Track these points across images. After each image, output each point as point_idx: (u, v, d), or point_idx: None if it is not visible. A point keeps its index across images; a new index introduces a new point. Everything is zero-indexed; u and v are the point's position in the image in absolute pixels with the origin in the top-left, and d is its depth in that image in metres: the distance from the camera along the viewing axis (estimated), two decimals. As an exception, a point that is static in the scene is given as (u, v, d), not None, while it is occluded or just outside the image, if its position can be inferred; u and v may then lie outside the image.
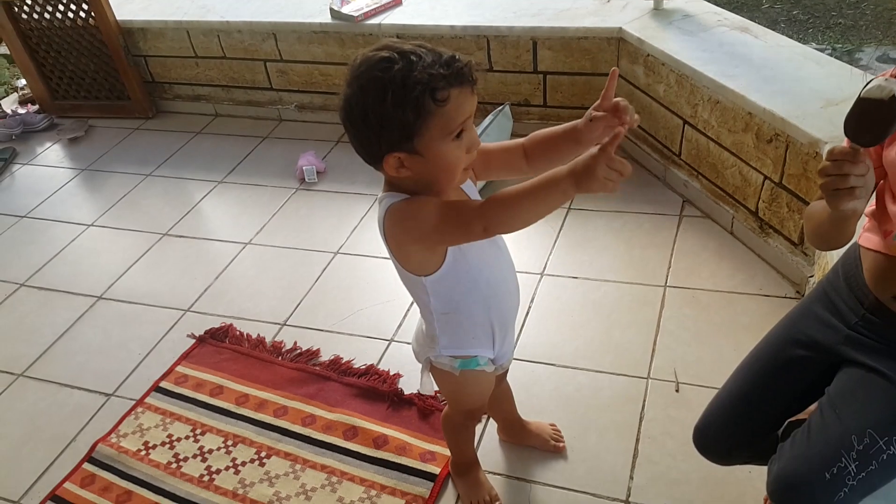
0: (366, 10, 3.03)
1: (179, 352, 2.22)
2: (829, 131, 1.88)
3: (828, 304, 1.25)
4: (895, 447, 1.07)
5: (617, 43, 2.64)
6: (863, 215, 1.10)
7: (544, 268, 2.34)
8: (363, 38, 3.04)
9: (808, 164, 1.95)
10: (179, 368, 2.15)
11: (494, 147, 1.28)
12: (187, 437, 1.93)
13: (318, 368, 2.08)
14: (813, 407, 1.23)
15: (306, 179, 2.95)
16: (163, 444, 1.91)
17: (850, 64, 3.81)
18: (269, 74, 3.37)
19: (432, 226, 1.11)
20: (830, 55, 3.81)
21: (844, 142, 0.95)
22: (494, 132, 2.72)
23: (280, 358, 2.13)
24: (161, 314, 2.39)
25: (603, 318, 2.13)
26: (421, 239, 1.15)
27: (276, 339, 2.22)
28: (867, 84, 0.90)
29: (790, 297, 2.08)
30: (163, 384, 2.10)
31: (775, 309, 2.02)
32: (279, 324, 2.29)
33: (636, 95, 2.65)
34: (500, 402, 1.73)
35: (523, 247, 2.40)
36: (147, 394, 2.08)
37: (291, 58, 3.26)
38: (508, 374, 1.65)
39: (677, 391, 1.87)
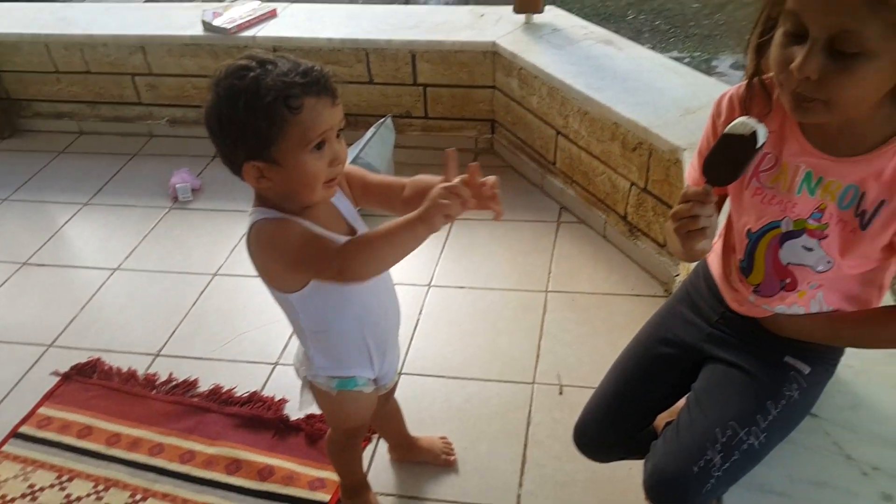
0: (239, 21, 2.95)
1: (42, 391, 2.05)
2: (688, 138, 1.99)
3: (691, 304, 1.32)
4: (755, 437, 1.13)
5: (492, 56, 2.69)
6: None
7: (431, 279, 2.35)
8: (238, 51, 2.94)
9: (670, 170, 2.06)
10: (42, 410, 1.99)
11: (375, 179, 1.28)
12: (52, 486, 1.78)
13: (196, 400, 1.98)
14: (682, 402, 1.29)
15: (180, 198, 2.83)
16: (23, 496, 1.76)
17: (707, 71, 4.10)
18: (138, 89, 3.21)
19: (290, 258, 1.10)
20: (689, 63, 4.08)
21: (689, 180, 1.01)
22: (377, 145, 2.70)
23: (154, 391, 2.02)
24: (21, 351, 2.21)
25: (490, 327, 2.16)
26: (281, 267, 1.14)
27: (149, 372, 2.11)
28: (733, 121, 0.95)
29: (659, 296, 2.19)
30: (23, 429, 1.94)
31: (647, 307, 2.11)
32: (152, 354, 2.17)
33: (512, 107, 2.71)
34: (388, 422, 1.71)
35: (411, 257, 2.35)
36: (3, 442, 1.91)
37: (162, 71, 3.12)
38: (397, 391, 1.64)
39: (561, 394, 1.92)
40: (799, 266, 1.07)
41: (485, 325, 2.17)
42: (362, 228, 1.25)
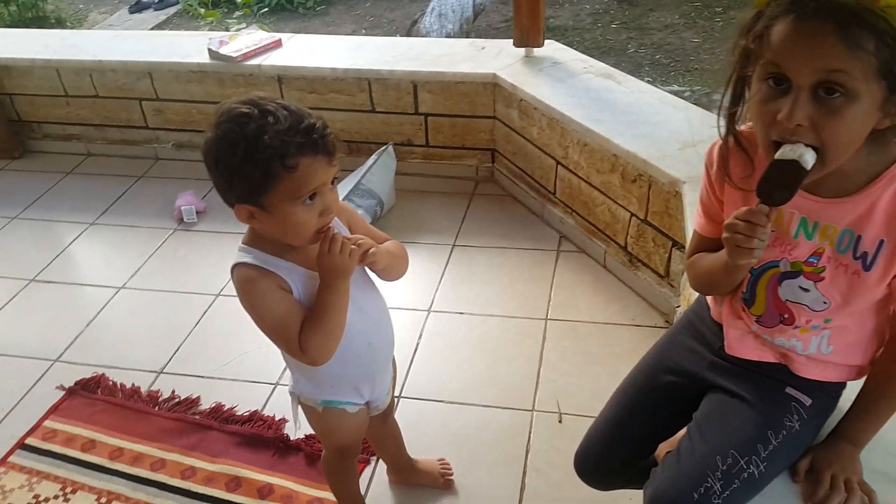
0: (245, 50, 3.00)
1: (47, 405, 2.07)
2: (687, 171, 2.03)
3: (694, 333, 1.32)
4: (755, 466, 1.13)
5: (492, 88, 2.75)
6: None
7: (431, 304, 2.37)
8: (243, 79, 3.01)
9: (669, 202, 2.10)
10: (47, 423, 2.01)
11: (373, 231, 1.34)
12: (56, 497, 1.80)
13: (197, 417, 2.00)
14: (683, 431, 1.30)
15: (185, 220, 2.86)
16: (27, 506, 1.78)
17: (708, 105, 4.14)
18: (145, 113, 3.27)
19: (263, 327, 1.18)
20: (689, 97, 4.13)
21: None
22: (379, 171, 2.75)
23: (157, 408, 2.04)
24: (27, 365, 2.23)
25: (488, 353, 2.17)
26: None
27: (152, 389, 2.12)
28: (780, 149, 0.96)
29: (660, 326, 2.21)
30: (29, 441, 1.96)
31: (647, 338, 2.13)
32: (156, 372, 2.19)
33: (512, 137, 2.76)
34: (386, 443, 1.72)
35: (411, 282, 2.43)
36: (10, 453, 1.93)
37: (168, 96, 3.18)
38: (397, 413, 1.65)
39: (560, 422, 1.93)
40: (796, 304, 1.10)
41: (483, 351, 2.18)
42: None
